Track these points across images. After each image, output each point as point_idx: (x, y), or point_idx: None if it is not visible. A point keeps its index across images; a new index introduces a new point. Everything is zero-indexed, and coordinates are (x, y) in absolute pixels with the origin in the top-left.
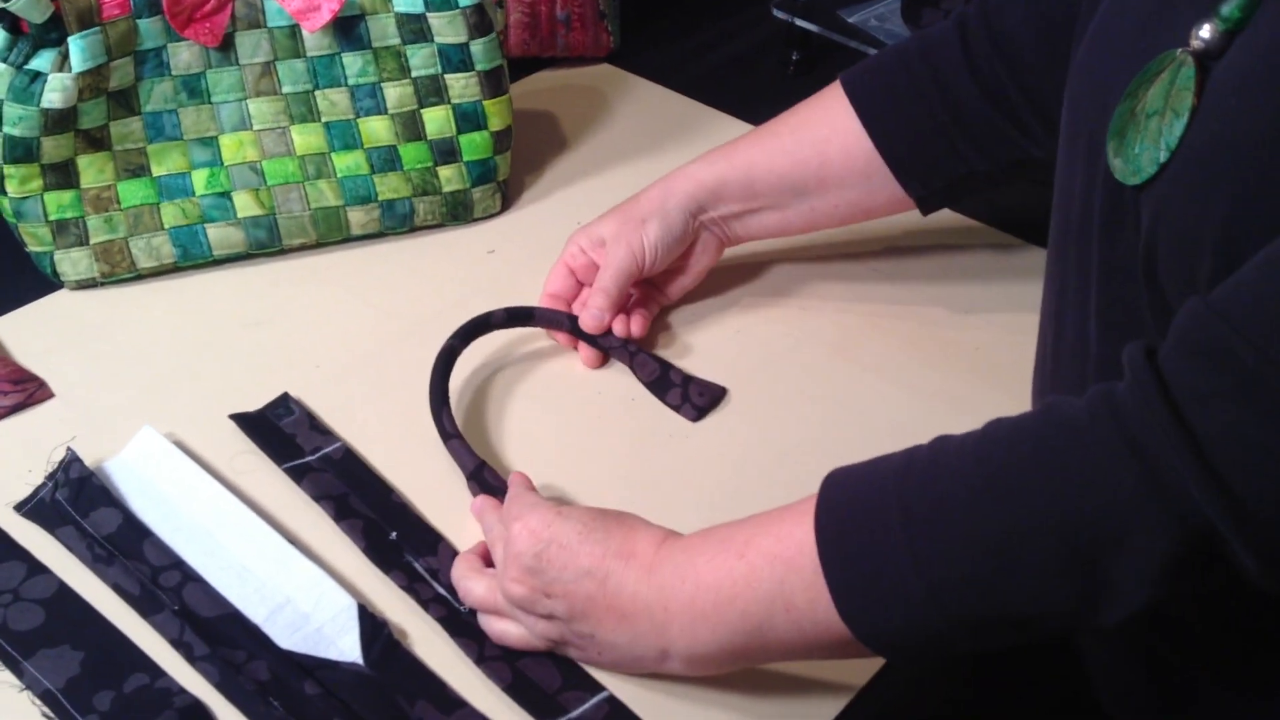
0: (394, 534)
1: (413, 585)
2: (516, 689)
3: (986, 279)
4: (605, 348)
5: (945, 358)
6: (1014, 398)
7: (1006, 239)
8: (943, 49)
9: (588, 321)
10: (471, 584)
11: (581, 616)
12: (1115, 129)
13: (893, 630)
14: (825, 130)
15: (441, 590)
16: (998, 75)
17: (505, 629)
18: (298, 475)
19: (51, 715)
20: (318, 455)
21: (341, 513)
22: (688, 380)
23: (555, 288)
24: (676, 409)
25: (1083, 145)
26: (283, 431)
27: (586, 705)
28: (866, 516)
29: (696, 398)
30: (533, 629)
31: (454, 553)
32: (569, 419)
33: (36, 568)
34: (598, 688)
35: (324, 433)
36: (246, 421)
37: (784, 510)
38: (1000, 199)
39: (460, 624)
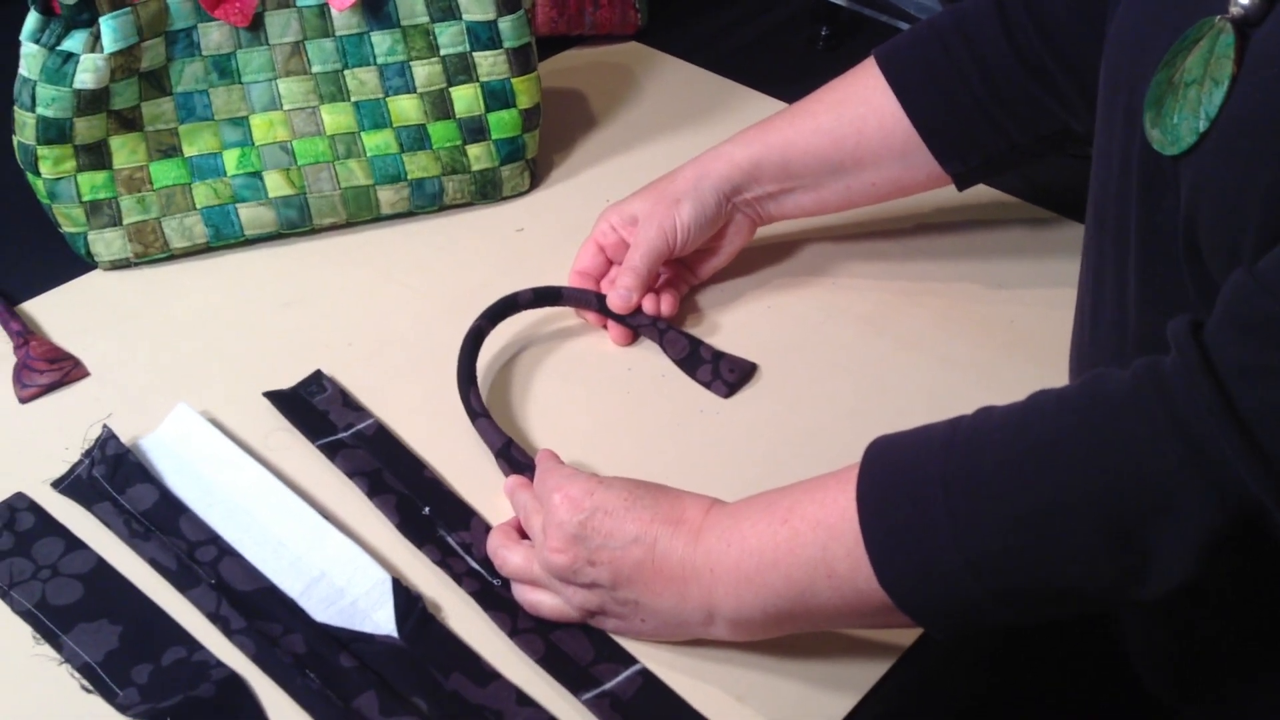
0: (427, 509)
1: (445, 560)
2: (550, 661)
3: (1021, 254)
4: (634, 325)
5: (980, 332)
6: (1049, 371)
7: (1041, 213)
8: (979, 21)
9: (616, 301)
10: (508, 554)
11: (627, 583)
12: (1152, 98)
13: (932, 601)
14: (862, 108)
15: (475, 564)
16: (1035, 47)
17: (540, 599)
18: (331, 452)
19: (90, 688)
20: (351, 432)
21: (375, 488)
22: (718, 356)
23: (584, 265)
24: (707, 385)
25: (1120, 114)
26: (316, 408)
27: (620, 678)
28: (908, 487)
29: (727, 374)
30: (571, 599)
31: (487, 527)
32: (599, 397)
33: (75, 543)
34: (631, 660)
35: (356, 409)
36: (280, 399)
37: (828, 477)
38: (1036, 173)
39: (494, 598)
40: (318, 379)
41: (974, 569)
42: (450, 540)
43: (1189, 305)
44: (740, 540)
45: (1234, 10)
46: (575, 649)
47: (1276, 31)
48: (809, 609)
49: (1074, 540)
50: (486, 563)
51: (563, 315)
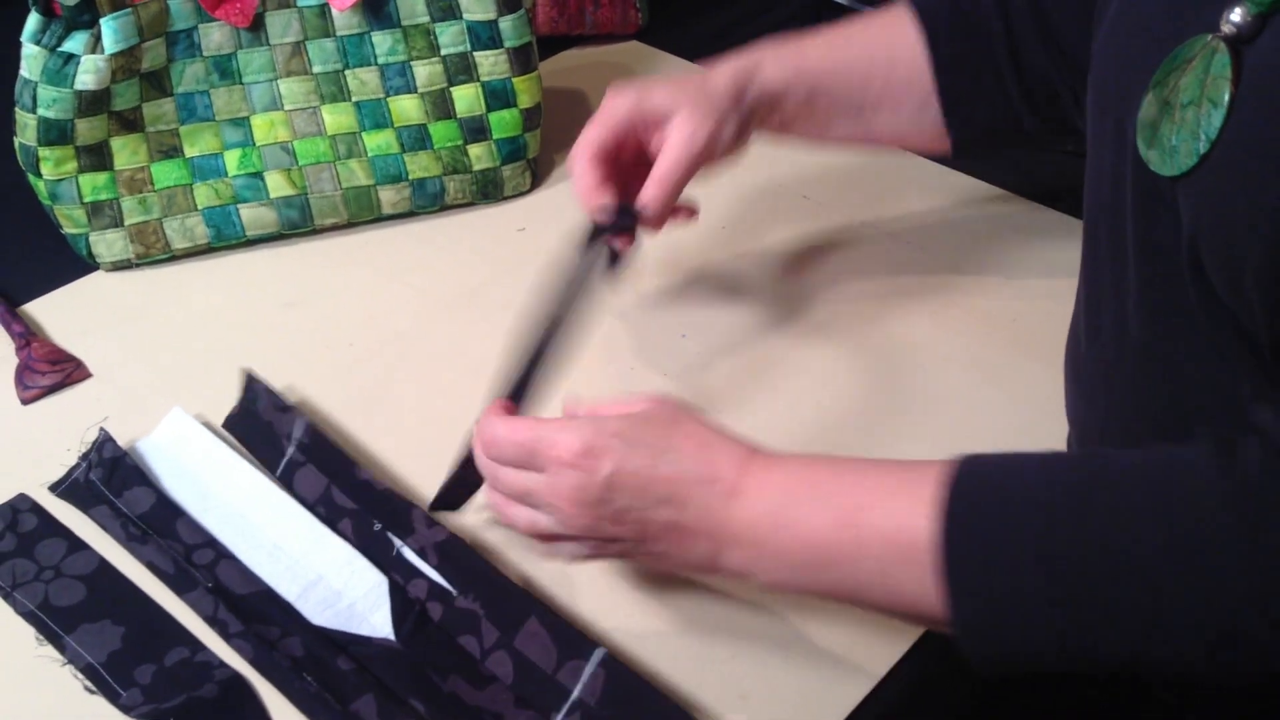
0: (378, 524)
1: (406, 586)
2: (520, 685)
3: (1021, 249)
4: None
5: (982, 328)
6: (1052, 370)
7: (1039, 209)
8: (1018, 5)
9: (653, 217)
10: (515, 512)
11: (655, 539)
12: (1146, 118)
13: (1006, 655)
14: (895, 51)
15: (435, 576)
16: (1041, 54)
17: (560, 549)
18: (288, 476)
19: (93, 689)
20: (294, 445)
21: (332, 514)
22: None
23: (597, 153)
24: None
25: (1110, 129)
26: (261, 419)
27: (584, 677)
28: (1003, 551)
29: None
30: (592, 552)
31: (426, 519)
32: (600, 392)
33: (77, 544)
34: (590, 648)
35: (285, 410)
36: (236, 425)
37: (899, 481)
38: (1036, 169)
39: (459, 619)
40: (250, 384)
41: (1064, 648)
42: (405, 552)
43: (1192, 316)
44: (792, 529)
45: (1226, 28)
46: (538, 652)
47: (1272, 47)
48: (855, 600)
49: (1176, 642)
50: (443, 568)
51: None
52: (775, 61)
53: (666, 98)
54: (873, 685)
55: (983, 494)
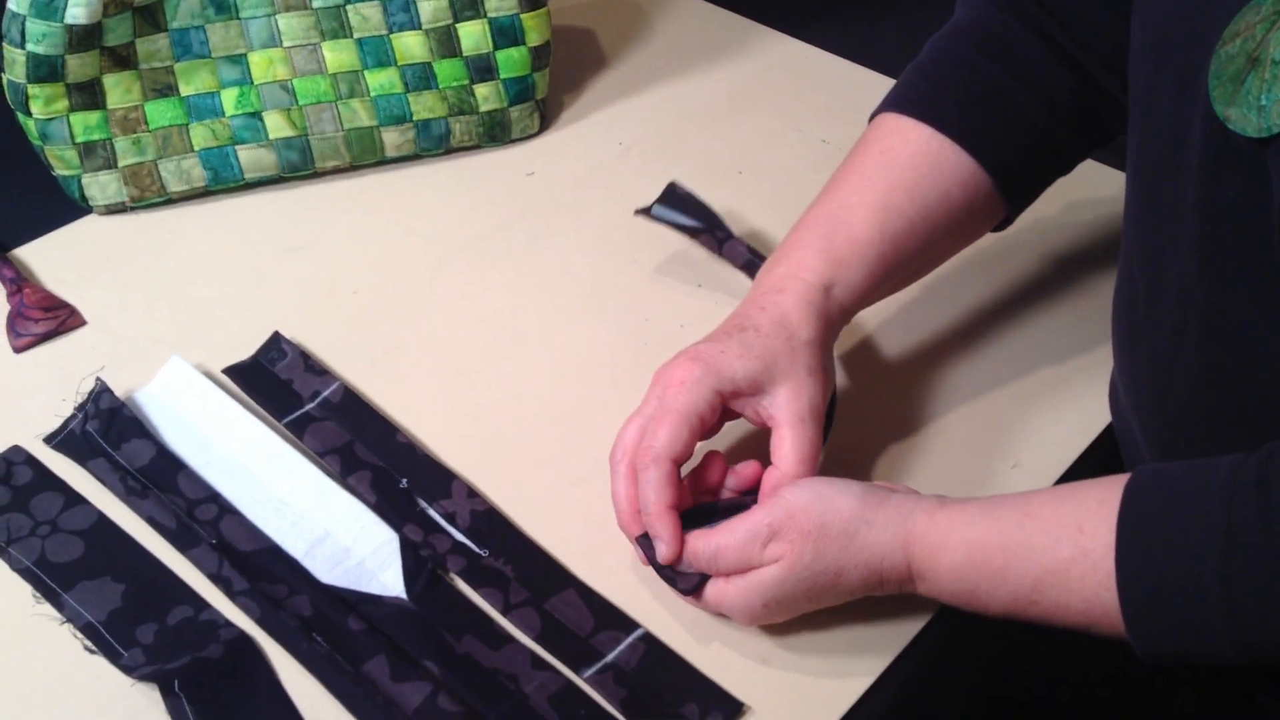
0: (404, 481)
1: (428, 539)
2: (547, 637)
3: (1062, 202)
4: (687, 227)
5: (1019, 282)
6: (1092, 327)
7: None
8: (1014, 44)
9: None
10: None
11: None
12: (1226, 74)
13: (1177, 657)
14: (944, 183)
15: (460, 537)
16: (1078, 59)
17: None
18: (299, 429)
19: (93, 648)
20: (317, 401)
21: (348, 465)
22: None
23: (679, 450)
24: None
25: (1170, 82)
26: (278, 378)
27: (622, 646)
28: (1183, 604)
29: None
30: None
31: (468, 491)
32: (614, 348)
33: (74, 498)
34: (633, 625)
35: (320, 373)
36: (241, 373)
37: (1076, 550)
38: None
39: (482, 573)
40: (277, 343)
41: (1241, 649)
42: (432, 513)
43: (1271, 285)
44: (980, 605)
45: None
46: (574, 618)
47: None
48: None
49: None
50: (473, 533)
51: (578, 259)
52: (841, 274)
53: (753, 366)
54: (898, 652)
55: (1154, 544)
